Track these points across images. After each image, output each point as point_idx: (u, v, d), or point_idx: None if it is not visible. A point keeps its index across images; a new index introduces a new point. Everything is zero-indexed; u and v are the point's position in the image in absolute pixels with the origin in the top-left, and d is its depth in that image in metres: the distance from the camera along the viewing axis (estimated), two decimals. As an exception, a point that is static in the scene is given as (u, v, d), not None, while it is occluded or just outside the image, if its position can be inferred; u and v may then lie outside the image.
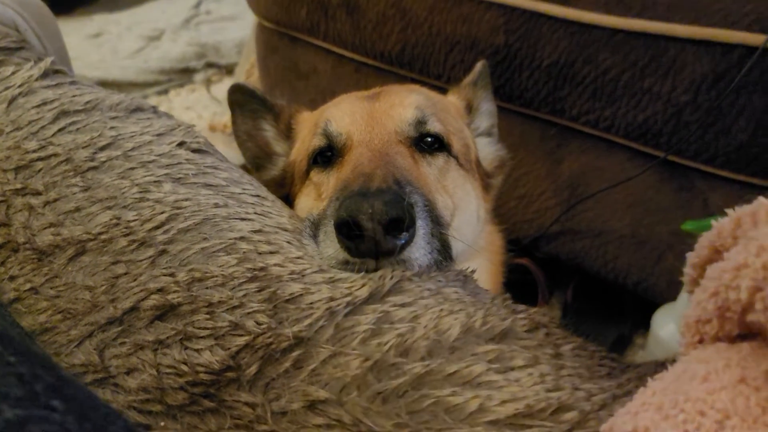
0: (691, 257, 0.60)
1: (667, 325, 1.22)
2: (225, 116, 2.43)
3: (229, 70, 2.99)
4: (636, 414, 0.49)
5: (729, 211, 0.56)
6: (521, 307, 0.74)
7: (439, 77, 1.53)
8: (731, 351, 0.49)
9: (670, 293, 1.31)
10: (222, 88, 2.88)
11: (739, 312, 0.48)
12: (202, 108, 2.71)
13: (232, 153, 1.65)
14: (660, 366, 0.61)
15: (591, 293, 1.64)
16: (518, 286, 1.55)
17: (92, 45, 3.20)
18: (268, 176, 1.16)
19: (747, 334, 0.50)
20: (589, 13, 1.24)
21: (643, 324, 1.45)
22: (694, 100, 1.18)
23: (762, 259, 0.45)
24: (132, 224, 0.76)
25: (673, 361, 0.56)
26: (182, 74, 2.95)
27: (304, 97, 1.90)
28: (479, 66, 1.22)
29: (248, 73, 2.33)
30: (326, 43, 1.74)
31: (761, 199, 0.53)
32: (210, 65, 2.99)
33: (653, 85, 1.21)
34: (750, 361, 0.47)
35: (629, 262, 1.41)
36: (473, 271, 0.81)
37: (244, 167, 1.19)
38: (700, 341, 0.53)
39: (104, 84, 2.72)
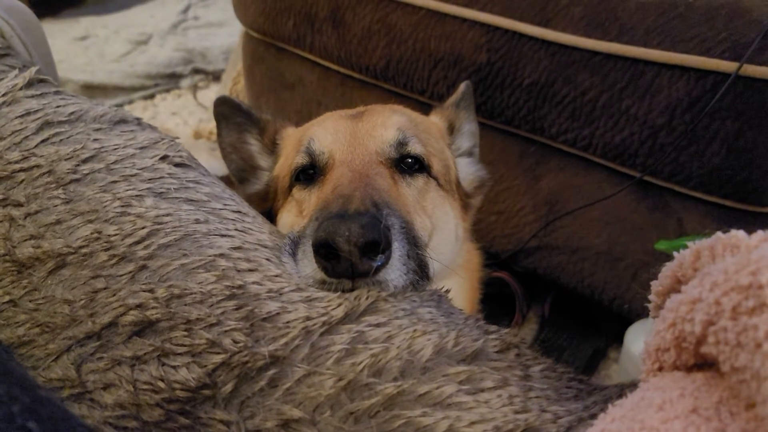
0: (655, 285, 0.63)
1: (639, 341, 1.24)
2: (210, 123, 2.43)
3: (215, 76, 3.00)
4: None
5: (689, 243, 0.58)
6: (493, 327, 0.76)
7: (422, 92, 1.55)
8: (686, 380, 0.51)
9: (645, 310, 1.34)
10: (208, 94, 2.88)
11: (694, 344, 0.50)
12: (188, 114, 2.71)
13: (216, 162, 1.65)
14: (625, 389, 0.64)
15: (567, 307, 1.66)
16: (497, 299, 1.58)
17: (79, 48, 3.19)
18: (252, 190, 1.17)
19: (703, 363, 0.52)
20: (568, 35, 1.27)
21: (618, 338, 1.48)
22: (669, 123, 1.21)
23: (715, 294, 0.47)
24: (113, 239, 0.77)
25: (635, 386, 0.58)
26: (169, 79, 2.95)
27: (290, 107, 1.92)
28: (463, 87, 1.23)
29: (235, 80, 2.34)
30: (312, 55, 1.76)
31: (719, 233, 0.55)
32: (197, 71, 3.00)
33: (630, 106, 1.24)
34: (703, 391, 0.49)
35: (605, 278, 1.44)
36: (448, 291, 0.82)
37: (227, 178, 1.20)
38: (660, 369, 0.55)
39: (90, 87, 2.72)
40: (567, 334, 1.62)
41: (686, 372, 0.53)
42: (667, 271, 0.60)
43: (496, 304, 1.57)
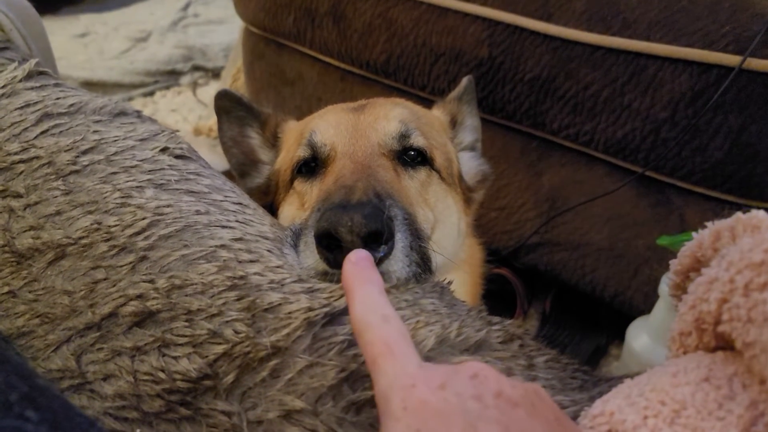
0: (674, 264, 0.63)
1: (640, 337, 1.24)
2: (210, 120, 2.42)
3: (215, 73, 2.99)
4: (606, 401, 0.52)
5: (708, 224, 0.58)
6: (496, 318, 0.75)
7: (423, 88, 1.55)
8: (704, 357, 0.52)
9: (646, 306, 1.34)
10: (208, 91, 2.87)
11: (712, 324, 0.50)
12: (188, 111, 2.71)
13: (216, 158, 1.65)
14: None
15: (568, 304, 1.66)
16: (497, 296, 1.58)
17: (78, 45, 3.18)
18: (253, 184, 1.17)
19: (725, 346, 0.52)
20: (570, 30, 1.26)
21: (619, 335, 1.47)
22: (671, 118, 1.20)
23: (730, 273, 0.48)
24: (113, 229, 0.76)
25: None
26: (168, 76, 2.94)
27: (290, 103, 1.91)
28: (465, 81, 1.23)
29: (234, 77, 2.33)
30: (312, 51, 1.75)
31: (739, 214, 0.55)
32: (196, 68, 2.99)
33: (632, 101, 1.24)
34: (719, 364, 0.50)
35: (606, 274, 1.44)
36: (450, 283, 0.82)
37: (228, 173, 1.19)
38: (684, 353, 0.56)
39: (90, 84, 2.71)
40: (568, 331, 1.62)
41: (707, 352, 0.53)
42: (686, 251, 0.60)
43: (497, 300, 1.57)
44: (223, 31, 3.30)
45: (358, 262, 0.63)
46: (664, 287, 1.15)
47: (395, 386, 0.49)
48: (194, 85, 2.92)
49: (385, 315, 0.56)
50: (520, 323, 0.75)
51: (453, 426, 0.43)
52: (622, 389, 0.53)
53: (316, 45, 1.71)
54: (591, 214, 1.42)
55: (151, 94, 2.88)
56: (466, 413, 0.44)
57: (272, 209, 1.08)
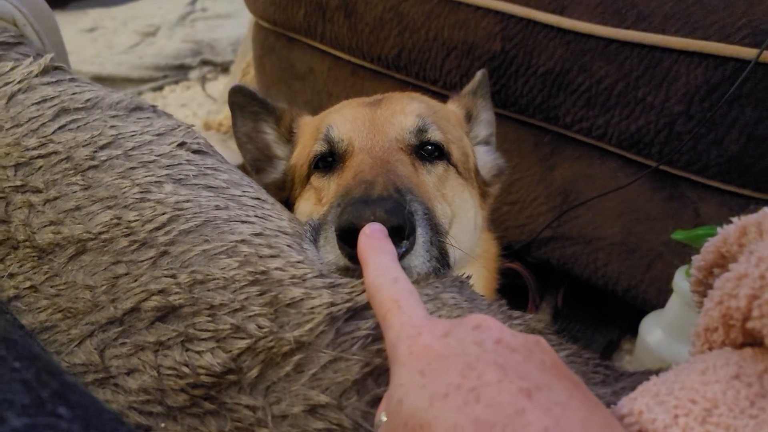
0: (697, 260, 0.63)
1: (654, 331, 1.24)
2: (220, 114, 2.42)
3: (224, 68, 2.99)
4: (634, 399, 0.52)
5: (734, 219, 0.58)
6: (517, 313, 0.75)
7: (435, 82, 1.54)
8: (733, 353, 0.51)
9: (659, 301, 1.34)
10: (217, 85, 2.87)
11: (741, 320, 0.50)
12: (197, 106, 2.71)
13: (228, 152, 1.65)
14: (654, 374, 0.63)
15: (580, 298, 1.66)
16: (509, 290, 1.57)
17: (87, 39, 3.18)
18: (269, 179, 1.16)
19: (753, 342, 0.52)
20: (584, 23, 1.26)
21: (631, 330, 1.47)
22: (687, 111, 1.20)
23: (760, 269, 0.48)
24: (133, 224, 0.77)
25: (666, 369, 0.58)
26: (177, 71, 2.94)
27: (301, 97, 1.91)
28: (479, 75, 1.22)
29: (244, 71, 2.33)
30: (323, 45, 1.75)
31: (766, 209, 0.55)
32: (205, 63, 2.99)
33: (647, 95, 1.23)
34: (748, 361, 0.49)
35: (619, 269, 1.43)
36: (469, 277, 0.82)
37: (242, 168, 1.19)
38: (710, 349, 0.55)
39: (99, 79, 2.72)
40: (580, 325, 1.62)
41: (734, 348, 0.53)
42: (710, 246, 0.60)
43: (509, 295, 1.57)
44: (231, 26, 3.30)
45: (372, 233, 0.68)
46: (679, 282, 1.14)
47: (402, 335, 0.53)
48: (203, 80, 2.92)
49: (396, 277, 0.61)
50: (541, 317, 0.75)
51: (453, 366, 0.47)
52: (649, 387, 0.52)
53: (327, 39, 1.71)
54: (604, 209, 1.42)
55: (160, 88, 2.88)
56: (466, 355, 0.48)
57: (288, 205, 1.08)
